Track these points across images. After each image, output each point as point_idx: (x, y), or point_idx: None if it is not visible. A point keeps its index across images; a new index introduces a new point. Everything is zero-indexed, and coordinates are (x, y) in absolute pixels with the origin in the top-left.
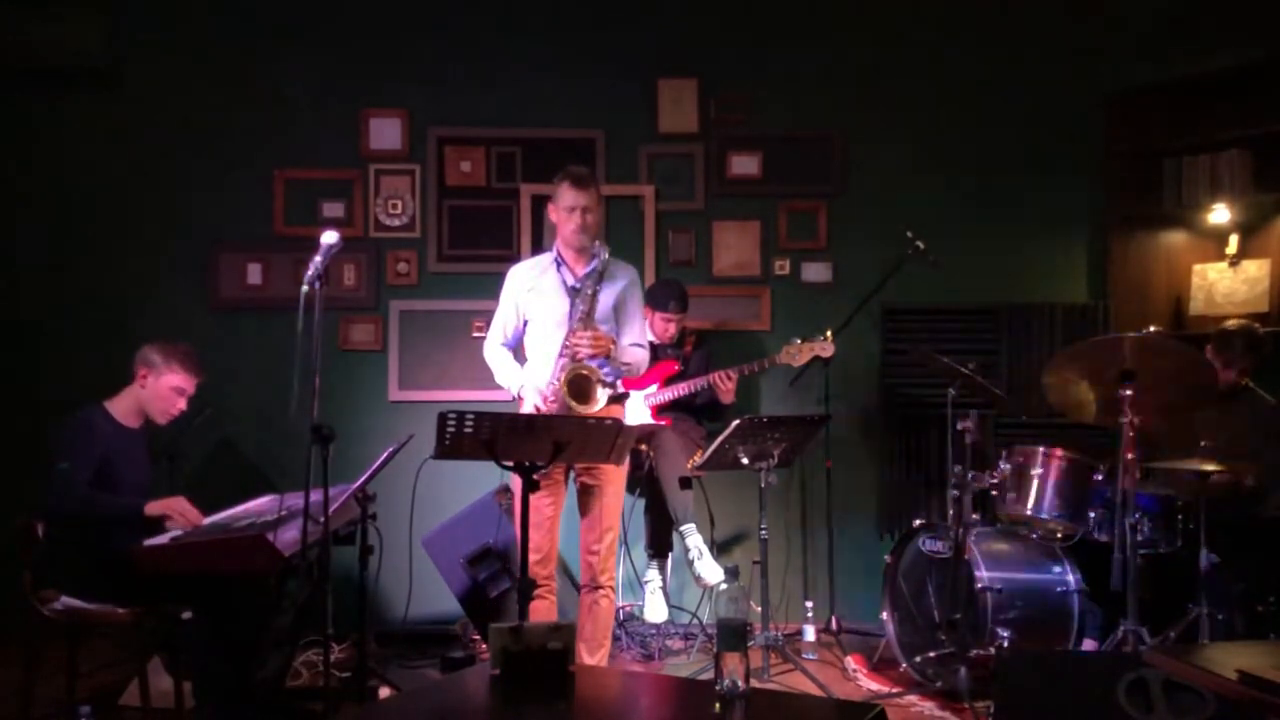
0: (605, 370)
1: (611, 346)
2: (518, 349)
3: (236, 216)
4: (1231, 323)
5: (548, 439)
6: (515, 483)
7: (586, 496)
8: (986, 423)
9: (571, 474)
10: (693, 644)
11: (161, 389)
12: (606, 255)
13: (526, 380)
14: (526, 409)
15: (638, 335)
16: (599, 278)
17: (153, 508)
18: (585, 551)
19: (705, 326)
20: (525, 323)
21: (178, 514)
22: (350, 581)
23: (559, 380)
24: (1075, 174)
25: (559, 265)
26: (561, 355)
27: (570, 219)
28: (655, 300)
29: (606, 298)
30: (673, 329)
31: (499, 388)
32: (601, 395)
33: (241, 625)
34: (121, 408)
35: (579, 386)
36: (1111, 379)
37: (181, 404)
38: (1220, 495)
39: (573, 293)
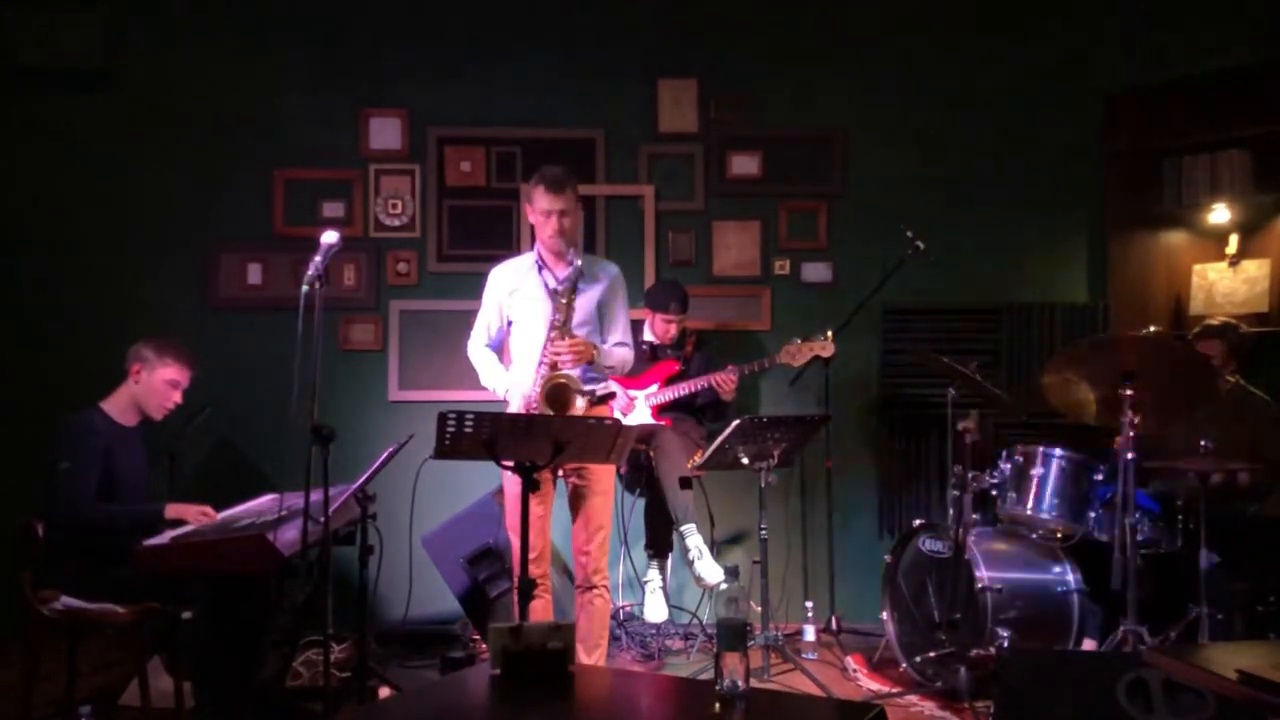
0: (589, 375)
1: (594, 353)
2: (501, 349)
3: (236, 216)
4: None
5: (547, 439)
6: (508, 483)
7: (576, 498)
8: (986, 423)
9: (559, 475)
10: (693, 644)
11: (156, 383)
12: (579, 263)
13: (511, 384)
14: (512, 410)
15: (622, 334)
16: (573, 286)
17: (172, 511)
18: (577, 552)
19: (705, 326)
20: (509, 323)
21: (197, 515)
22: (350, 581)
23: (537, 390)
24: (1075, 174)
25: (540, 268)
26: (541, 364)
27: (547, 223)
28: (655, 302)
29: (587, 300)
30: (673, 330)
31: None
32: (580, 403)
33: (241, 625)
34: (117, 406)
35: (556, 396)
36: (1111, 379)
37: (176, 397)
38: (1218, 494)
39: (555, 295)
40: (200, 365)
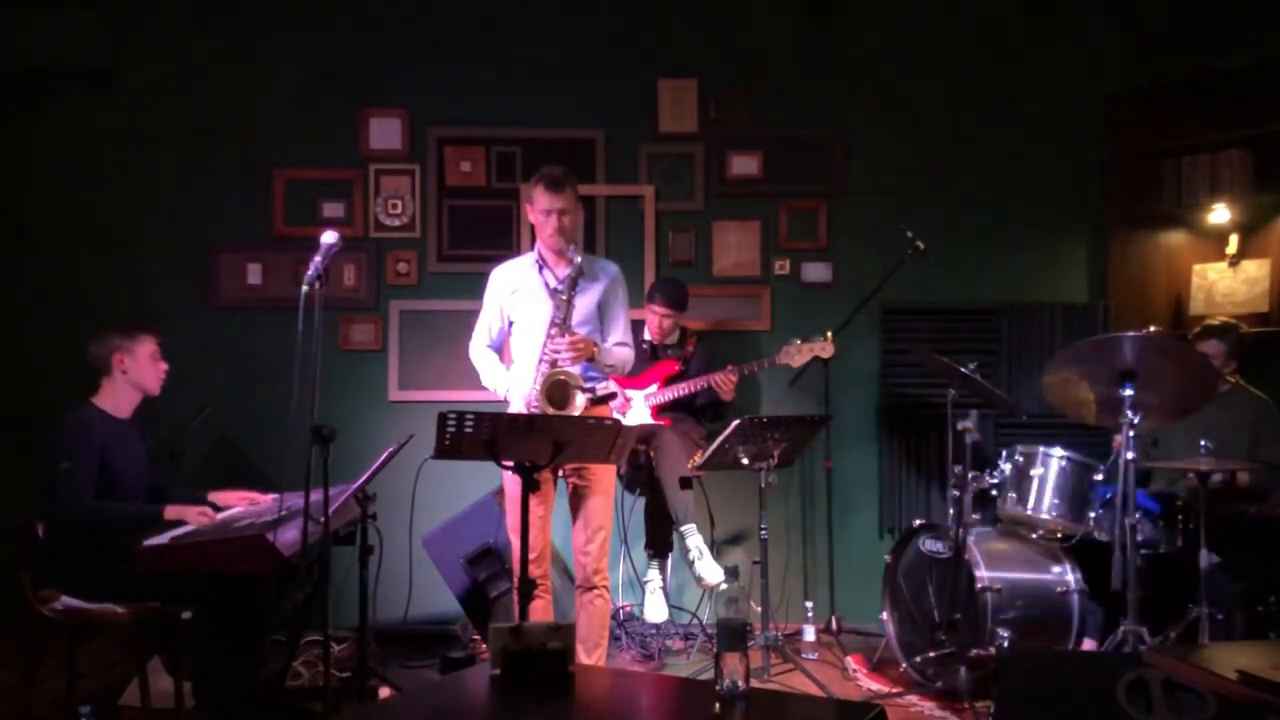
0: (590, 374)
1: (594, 350)
2: (502, 349)
3: (236, 216)
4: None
5: (547, 439)
6: (508, 484)
7: (576, 498)
8: (986, 423)
9: (560, 475)
10: (693, 644)
11: (143, 362)
12: (579, 260)
13: (512, 384)
14: (513, 410)
15: (622, 334)
16: (573, 283)
17: (172, 511)
18: (578, 552)
19: (705, 326)
20: (510, 324)
21: (197, 515)
22: (350, 581)
23: (537, 388)
24: (1075, 174)
25: (541, 267)
26: (542, 361)
27: (547, 223)
28: (648, 294)
29: (588, 299)
30: (667, 325)
31: None
32: (580, 400)
33: (241, 625)
34: (110, 401)
35: (556, 393)
36: (1111, 379)
37: (163, 364)
38: (1218, 494)
39: (556, 295)
40: (198, 365)
